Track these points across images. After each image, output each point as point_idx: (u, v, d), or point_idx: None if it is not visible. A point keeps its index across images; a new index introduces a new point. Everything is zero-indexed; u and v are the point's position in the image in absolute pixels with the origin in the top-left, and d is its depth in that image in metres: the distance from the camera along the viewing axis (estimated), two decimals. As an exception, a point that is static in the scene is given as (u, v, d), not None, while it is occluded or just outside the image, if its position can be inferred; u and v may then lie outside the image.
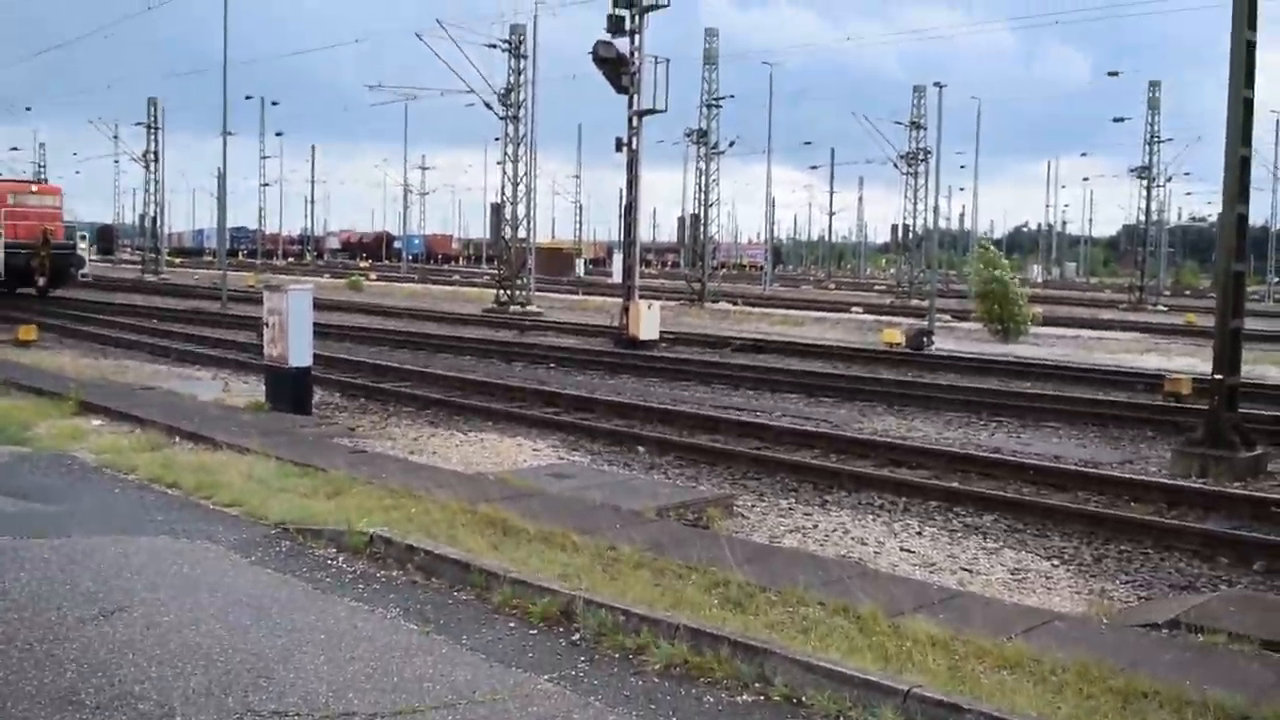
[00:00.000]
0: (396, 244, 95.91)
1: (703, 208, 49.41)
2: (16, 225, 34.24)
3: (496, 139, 41.38)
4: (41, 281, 35.11)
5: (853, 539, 9.01)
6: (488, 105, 37.01)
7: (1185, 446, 12.25)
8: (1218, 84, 12.52)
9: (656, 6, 25.90)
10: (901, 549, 8.76)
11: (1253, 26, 12.23)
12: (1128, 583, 8.16)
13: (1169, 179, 59.91)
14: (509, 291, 38.16)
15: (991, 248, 37.94)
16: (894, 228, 64.97)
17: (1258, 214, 72.67)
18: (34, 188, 38.68)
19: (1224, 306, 12.18)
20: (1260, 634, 6.33)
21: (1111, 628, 6.57)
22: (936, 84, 38.57)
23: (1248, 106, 12.25)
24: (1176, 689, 5.25)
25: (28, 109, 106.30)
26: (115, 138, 67.97)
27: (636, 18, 25.68)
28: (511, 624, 6.21)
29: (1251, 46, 12.24)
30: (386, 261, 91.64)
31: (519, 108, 37.71)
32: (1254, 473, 11.81)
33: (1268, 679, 5.54)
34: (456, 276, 69.34)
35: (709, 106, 48.70)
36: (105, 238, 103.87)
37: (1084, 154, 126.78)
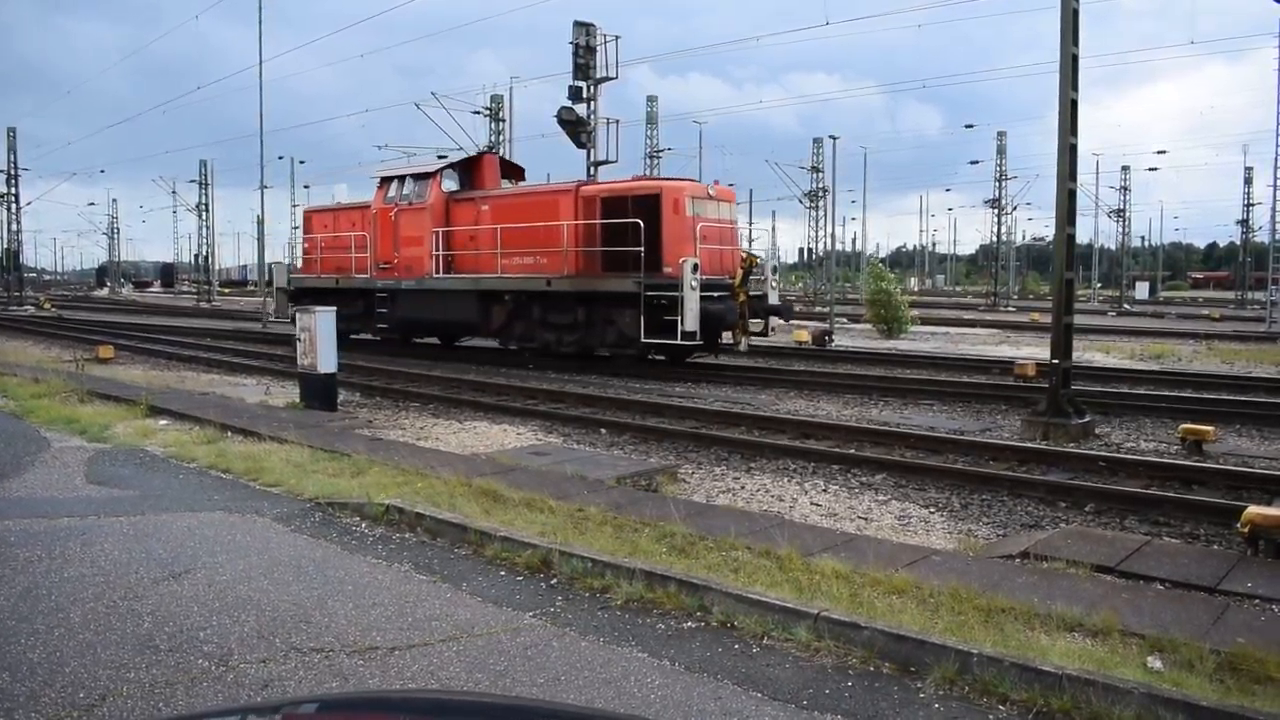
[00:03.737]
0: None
1: (648, 238, 49.56)
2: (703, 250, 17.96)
3: (482, 187, 41.12)
4: (743, 345, 19.08)
5: (772, 496, 9.05)
6: (474, 160, 36.88)
7: (1031, 416, 12.41)
8: (1048, 133, 12.70)
9: (607, 79, 25.92)
10: (811, 503, 8.81)
11: (1075, 88, 12.41)
12: (988, 524, 8.25)
13: (1015, 208, 60.78)
14: (495, 309, 37.92)
15: (879, 265, 38.32)
16: (801, 250, 65.61)
17: (1083, 234, 73.92)
18: (711, 190, 19.18)
19: (1059, 307, 12.34)
20: (1091, 560, 6.46)
21: (976, 559, 6.66)
22: (831, 136, 38.74)
23: (1073, 150, 12.42)
24: (1027, 605, 5.35)
25: (102, 171, 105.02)
26: (173, 193, 67.39)
27: (591, 88, 25.72)
28: (502, 573, 6.20)
29: (1074, 104, 12.41)
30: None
31: (499, 161, 37.58)
32: (1084, 436, 11.99)
33: (1097, 594, 5.65)
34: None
35: (651, 157, 48.86)
36: (167, 274, 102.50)
37: (948, 189, 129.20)
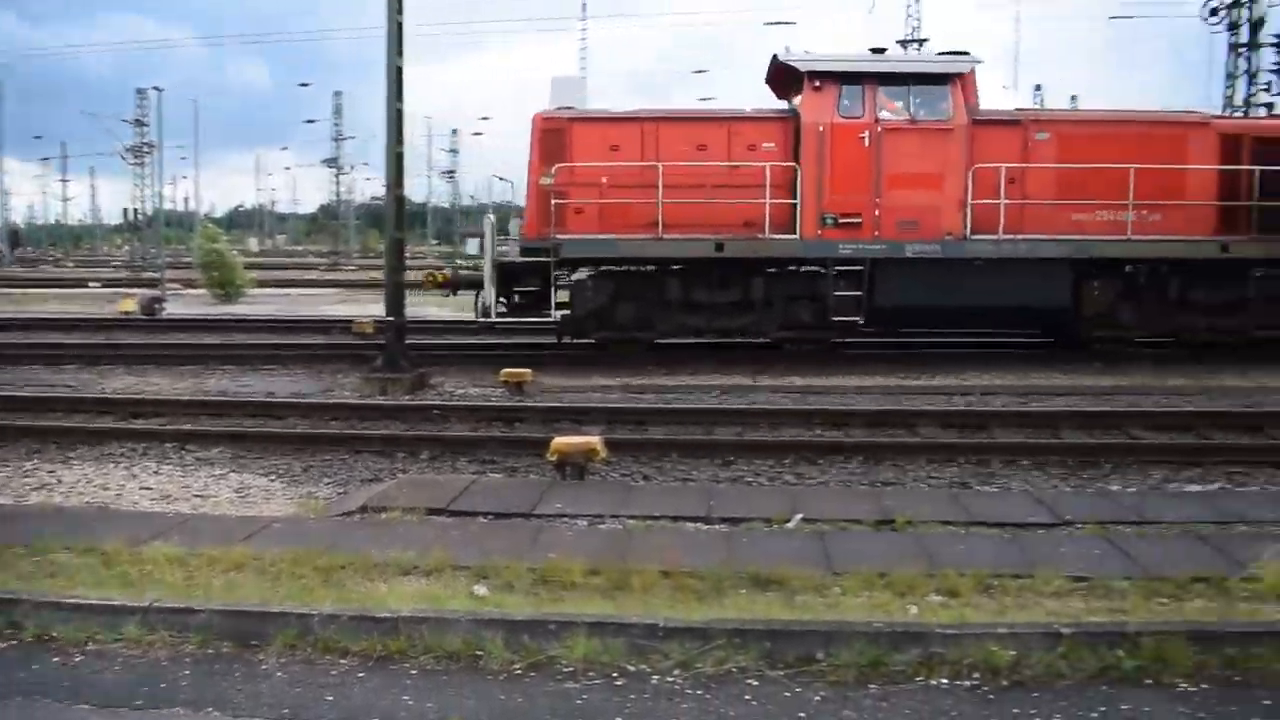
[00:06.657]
0: None
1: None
2: None
3: None
4: None
5: (96, 487, 8.23)
6: None
7: (370, 373, 12.84)
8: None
9: None
10: (141, 488, 8.19)
11: (400, 54, 12.89)
12: (330, 484, 8.38)
13: (353, 168, 61.82)
14: None
15: (211, 225, 36.67)
16: (125, 211, 60.11)
17: (418, 194, 77.86)
18: None
19: (391, 265, 12.87)
20: (424, 505, 6.97)
21: (316, 521, 6.81)
22: (155, 88, 35.88)
23: (399, 115, 12.94)
24: (365, 557, 5.63)
25: None
26: None
27: None
28: None
29: (400, 71, 12.90)
30: None
31: None
32: (420, 387, 12.69)
33: (430, 535, 6.13)
34: None
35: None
36: None
37: (284, 148, 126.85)
